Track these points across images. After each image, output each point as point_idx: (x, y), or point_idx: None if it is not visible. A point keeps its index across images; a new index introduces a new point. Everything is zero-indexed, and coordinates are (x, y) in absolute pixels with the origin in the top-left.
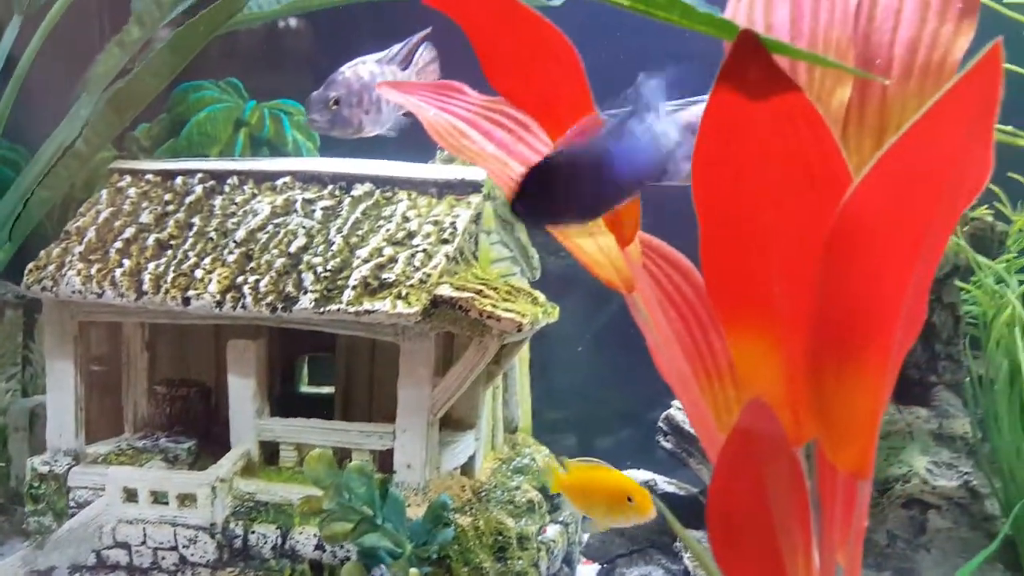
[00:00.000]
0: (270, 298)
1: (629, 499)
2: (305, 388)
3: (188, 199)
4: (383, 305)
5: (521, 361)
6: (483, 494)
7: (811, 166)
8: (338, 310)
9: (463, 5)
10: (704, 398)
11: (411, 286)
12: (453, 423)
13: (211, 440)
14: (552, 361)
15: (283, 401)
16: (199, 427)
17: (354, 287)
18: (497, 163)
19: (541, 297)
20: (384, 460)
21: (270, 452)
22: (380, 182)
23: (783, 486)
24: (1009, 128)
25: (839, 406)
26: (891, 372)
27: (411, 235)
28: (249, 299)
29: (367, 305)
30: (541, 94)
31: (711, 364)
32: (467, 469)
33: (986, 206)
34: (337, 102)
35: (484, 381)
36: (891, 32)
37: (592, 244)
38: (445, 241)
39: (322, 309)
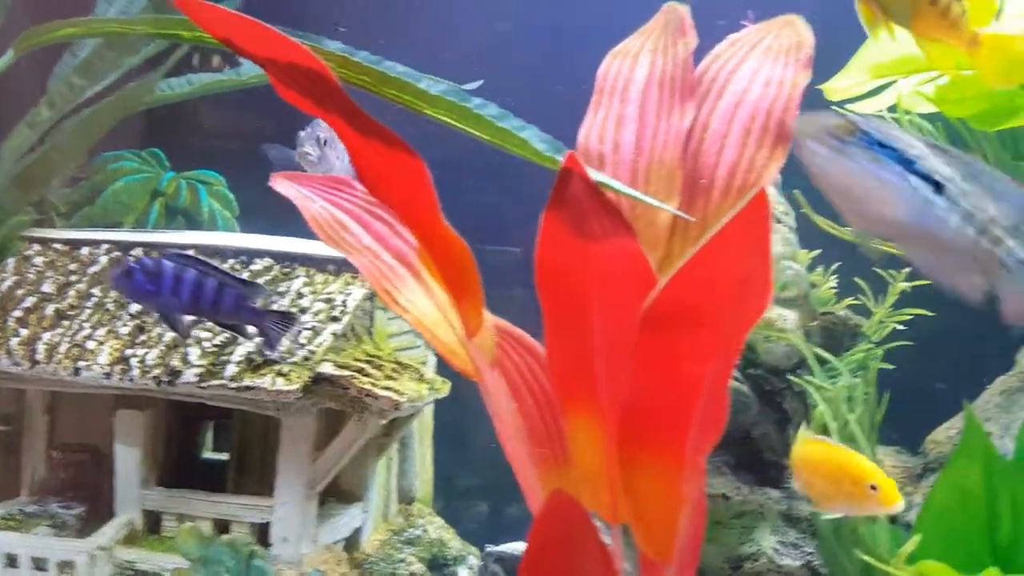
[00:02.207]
0: (156, 371)
1: (872, 487)
2: (209, 454)
3: (92, 270)
4: (263, 382)
5: (423, 431)
6: (366, 567)
7: (623, 275)
8: (220, 385)
9: (333, 121)
10: (553, 480)
11: (294, 363)
12: (342, 495)
13: (103, 506)
14: (466, 427)
15: (183, 468)
16: (92, 493)
17: (238, 363)
18: (370, 255)
19: (429, 374)
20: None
21: (155, 521)
22: (280, 258)
23: (591, 571)
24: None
25: (642, 494)
26: (690, 467)
27: (302, 312)
28: (136, 372)
29: (248, 381)
30: (399, 201)
31: (559, 448)
32: (353, 542)
33: (853, 298)
34: (325, 142)
35: (374, 454)
36: (716, 155)
37: (449, 333)
38: (334, 319)
39: (204, 384)
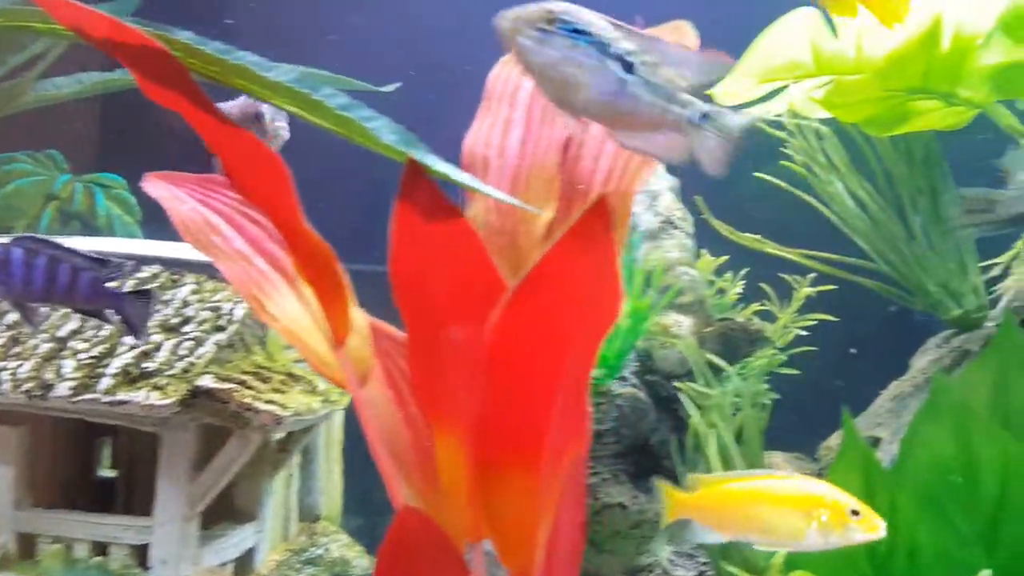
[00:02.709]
0: (28, 385)
1: (855, 513)
2: (107, 472)
3: None
4: (137, 396)
5: (330, 445)
6: None
7: (471, 282)
8: (93, 400)
9: (189, 113)
10: (425, 497)
11: (172, 376)
12: (235, 514)
13: None
14: None
15: (73, 486)
16: None
17: (113, 376)
18: (241, 261)
19: (323, 386)
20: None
21: (31, 544)
22: (170, 264)
23: None
24: (757, 236)
25: (501, 508)
26: (549, 480)
27: (186, 321)
28: (7, 385)
29: (121, 395)
30: (259, 199)
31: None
32: (245, 562)
33: (760, 303)
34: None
35: (269, 470)
36: (594, 160)
37: (322, 343)
38: (219, 328)
39: (77, 398)
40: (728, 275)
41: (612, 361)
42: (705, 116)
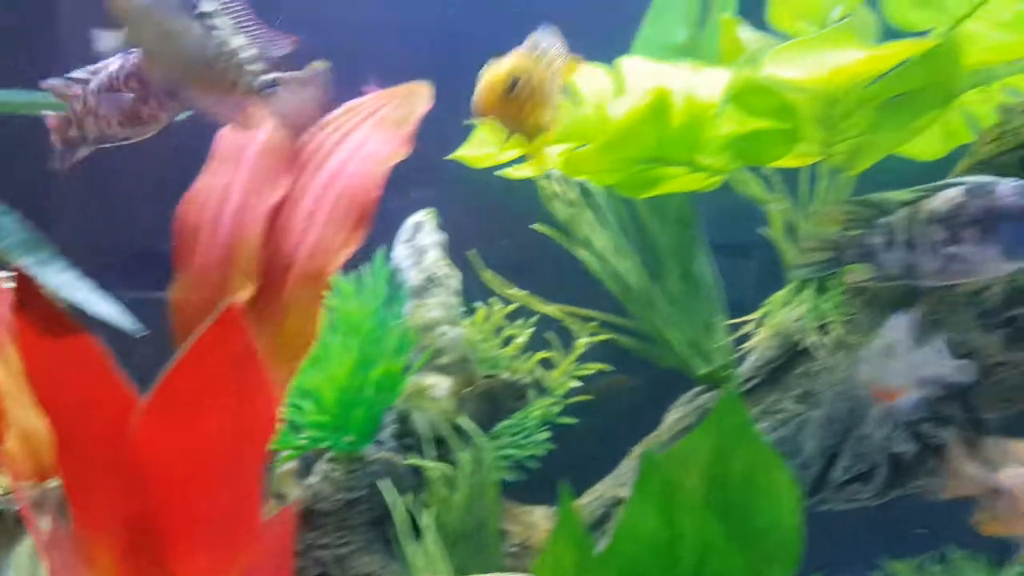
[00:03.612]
0: None
1: None
2: None
3: None
4: None
5: None
6: None
7: (95, 391)
8: None
9: None
10: None
11: None
12: None
13: None
14: None
15: None
16: None
17: None
18: None
19: None
20: None
21: None
22: None
23: None
24: (525, 292)
25: None
26: None
27: None
28: None
29: None
30: None
31: None
32: None
33: (545, 352)
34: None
35: (6, 543)
36: (302, 234)
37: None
38: None
39: None
40: (520, 322)
41: (362, 426)
42: (272, 84)
